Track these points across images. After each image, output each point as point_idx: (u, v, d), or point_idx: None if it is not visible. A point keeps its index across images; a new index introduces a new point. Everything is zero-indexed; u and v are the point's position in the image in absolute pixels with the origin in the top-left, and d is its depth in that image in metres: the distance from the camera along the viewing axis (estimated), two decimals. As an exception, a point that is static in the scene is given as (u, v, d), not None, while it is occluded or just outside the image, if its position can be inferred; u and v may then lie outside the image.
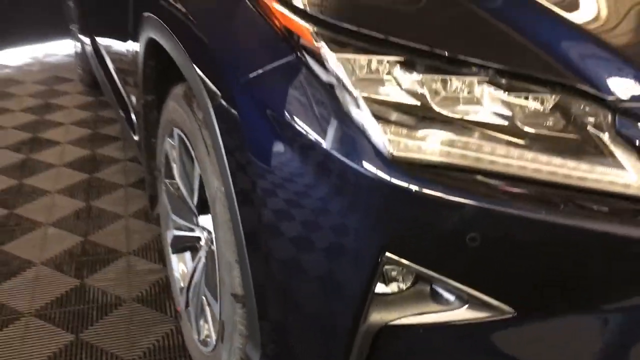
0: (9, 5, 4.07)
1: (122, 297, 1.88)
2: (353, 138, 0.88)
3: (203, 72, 1.16)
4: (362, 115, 0.88)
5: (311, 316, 1.01)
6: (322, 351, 1.01)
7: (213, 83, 1.13)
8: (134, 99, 2.02)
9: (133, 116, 2.09)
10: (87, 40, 3.04)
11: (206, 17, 1.20)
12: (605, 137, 0.87)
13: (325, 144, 0.90)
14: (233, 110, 1.06)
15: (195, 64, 1.19)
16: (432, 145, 0.86)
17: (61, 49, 4.27)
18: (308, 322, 1.03)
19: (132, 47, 1.80)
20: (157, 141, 1.73)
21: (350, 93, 0.89)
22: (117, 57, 2.30)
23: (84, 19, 3.11)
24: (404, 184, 0.84)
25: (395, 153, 0.85)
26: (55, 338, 1.72)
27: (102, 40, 2.66)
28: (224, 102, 1.09)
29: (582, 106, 0.88)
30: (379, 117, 0.88)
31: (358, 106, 0.88)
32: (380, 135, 0.86)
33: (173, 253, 1.70)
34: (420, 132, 0.87)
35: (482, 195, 0.83)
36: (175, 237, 1.67)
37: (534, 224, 0.83)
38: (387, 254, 0.87)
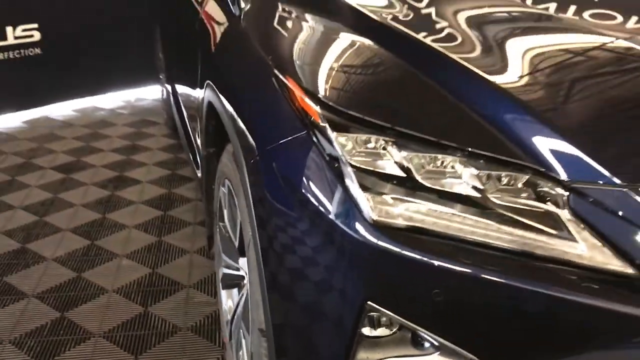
0: (107, 54, 4.52)
1: (178, 325, 2.10)
2: (346, 205, 1.06)
3: (239, 137, 1.38)
4: (353, 186, 1.05)
5: (315, 354, 1.18)
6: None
7: (247, 147, 1.34)
8: (200, 147, 2.28)
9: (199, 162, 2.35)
10: (170, 88, 3.39)
11: (245, 92, 1.42)
12: (561, 213, 1.00)
13: (325, 209, 1.08)
14: (259, 171, 1.26)
15: (235, 129, 1.41)
16: (408, 212, 1.02)
17: (150, 94, 4.69)
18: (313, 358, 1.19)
19: (198, 104, 2.06)
20: (214, 188, 1.97)
21: (345, 167, 1.07)
22: (189, 108, 2.59)
23: (168, 71, 3.47)
24: (381, 244, 1.00)
25: (376, 218, 1.02)
26: (118, 358, 1.96)
27: (180, 91, 2.98)
28: (253, 164, 1.30)
29: (542, 186, 1.02)
30: (367, 188, 1.05)
31: (351, 179, 1.06)
32: (365, 204, 1.03)
33: (222, 288, 1.91)
34: (400, 201, 1.03)
35: (445, 258, 0.98)
36: (225, 275, 1.88)
37: (490, 285, 0.97)
38: (369, 302, 1.03)
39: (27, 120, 4.26)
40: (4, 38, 4.11)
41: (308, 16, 1.57)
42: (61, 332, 2.06)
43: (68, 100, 4.54)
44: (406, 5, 1.57)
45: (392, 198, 1.04)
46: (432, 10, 1.57)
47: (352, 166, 1.07)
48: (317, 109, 1.15)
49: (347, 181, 1.06)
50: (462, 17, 1.51)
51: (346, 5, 1.56)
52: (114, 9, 4.47)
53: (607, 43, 1.39)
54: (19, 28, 4.16)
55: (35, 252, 2.53)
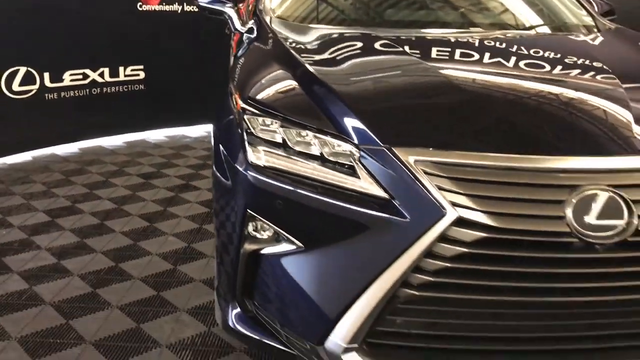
0: (196, 92, 5.53)
1: None
2: (242, 155, 1.81)
3: (215, 119, 2.18)
4: (246, 145, 1.81)
5: (226, 249, 1.91)
6: (229, 268, 1.89)
7: (214, 125, 2.14)
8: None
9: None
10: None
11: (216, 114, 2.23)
12: (356, 165, 1.69)
13: (232, 156, 1.84)
14: (213, 137, 2.05)
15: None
16: (272, 159, 1.76)
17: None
18: (225, 252, 1.92)
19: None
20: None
21: (247, 135, 1.83)
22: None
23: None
24: (254, 175, 1.74)
25: (253, 161, 1.76)
26: None
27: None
28: (214, 133, 2.08)
29: (348, 149, 1.71)
30: (253, 145, 1.80)
31: (248, 141, 1.82)
32: (251, 155, 1.78)
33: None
34: (270, 155, 1.77)
35: (284, 184, 1.70)
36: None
37: (310, 199, 1.66)
38: (248, 210, 1.77)
39: (127, 141, 5.32)
40: (117, 75, 5.22)
41: (254, 45, 2.38)
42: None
43: (162, 128, 5.58)
44: (309, 48, 2.33)
45: (264, 151, 1.78)
46: (318, 45, 2.36)
47: (249, 133, 1.83)
48: (241, 103, 1.93)
49: (245, 142, 1.82)
50: (334, 52, 2.27)
51: (277, 42, 2.35)
52: (204, 52, 5.48)
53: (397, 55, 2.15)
54: (129, 68, 5.27)
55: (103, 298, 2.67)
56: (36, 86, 4.72)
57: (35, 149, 4.88)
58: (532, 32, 2.84)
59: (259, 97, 1.94)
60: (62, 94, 4.91)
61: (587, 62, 2.23)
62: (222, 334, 2.45)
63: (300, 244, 1.71)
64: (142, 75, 5.34)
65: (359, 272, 1.61)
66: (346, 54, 2.27)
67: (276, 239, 1.77)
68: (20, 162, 4.68)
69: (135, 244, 3.28)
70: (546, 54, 2.30)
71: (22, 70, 4.62)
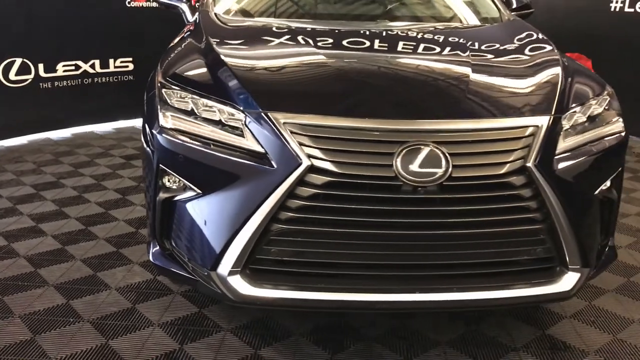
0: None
1: None
2: (156, 120, 2.24)
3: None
4: (159, 111, 2.24)
5: (150, 199, 2.33)
6: (151, 214, 2.32)
7: (145, 94, 2.58)
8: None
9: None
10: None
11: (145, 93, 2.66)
12: (243, 127, 2.11)
13: (150, 122, 2.27)
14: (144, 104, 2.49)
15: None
16: (179, 123, 2.19)
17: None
18: (148, 201, 2.35)
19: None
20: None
21: (161, 103, 2.26)
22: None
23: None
24: (164, 136, 2.17)
25: (163, 124, 2.19)
26: None
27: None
28: (145, 99, 2.52)
29: (237, 114, 2.13)
30: (164, 112, 2.23)
31: (161, 109, 2.25)
32: (162, 119, 2.21)
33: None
34: (176, 119, 2.20)
35: (183, 141, 2.13)
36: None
37: (204, 154, 2.09)
38: (160, 165, 2.20)
39: (116, 128, 5.79)
40: (108, 67, 5.69)
41: (187, 40, 2.79)
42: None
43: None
44: (225, 38, 2.71)
45: (172, 116, 2.20)
46: (234, 34, 2.79)
47: (162, 102, 2.26)
48: (160, 78, 2.36)
49: (158, 110, 2.25)
50: (243, 41, 2.68)
51: (200, 32, 2.76)
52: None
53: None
54: (118, 60, 5.74)
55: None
56: (31, 76, 5.20)
57: (30, 134, 5.36)
58: (437, 24, 3.21)
59: (175, 74, 2.37)
60: (56, 83, 5.39)
61: (457, 46, 2.64)
62: (165, 280, 2.88)
63: (199, 191, 2.13)
64: (131, 66, 5.81)
65: (240, 211, 2.03)
66: (251, 42, 2.69)
67: (183, 188, 2.20)
68: (16, 144, 5.17)
69: (106, 212, 3.74)
70: (424, 41, 2.71)
71: (18, 61, 5.10)
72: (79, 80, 5.53)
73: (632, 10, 5.68)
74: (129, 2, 5.69)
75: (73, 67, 5.47)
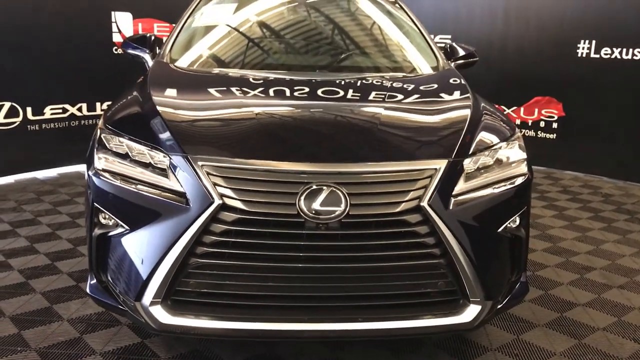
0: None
1: None
2: (92, 162, 2.45)
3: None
4: (94, 154, 2.44)
5: (86, 232, 2.52)
6: (88, 248, 2.51)
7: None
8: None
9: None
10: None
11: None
12: (168, 169, 2.30)
13: (90, 164, 2.48)
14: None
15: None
16: (110, 165, 2.39)
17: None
18: (87, 236, 2.53)
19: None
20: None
21: (98, 148, 2.47)
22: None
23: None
24: (98, 179, 2.37)
25: (98, 167, 2.40)
26: None
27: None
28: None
29: (165, 158, 2.32)
30: (99, 154, 2.43)
31: (97, 151, 2.45)
32: (97, 161, 2.42)
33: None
34: (108, 162, 2.40)
35: (114, 183, 2.33)
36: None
37: (130, 193, 2.28)
38: (94, 203, 2.40)
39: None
40: (94, 110, 5.96)
41: (133, 89, 3.00)
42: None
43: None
44: (164, 87, 2.90)
45: (104, 159, 2.40)
46: (173, 84, 3.00)
47: (99, 145, 2.47)
48: (101, 124, 2.58)
49: (95, 153, 2.46)
50: (180, 90, 2.89)
51: (145, 82, 2.98)
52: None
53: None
54: (105, 103, 6.01)
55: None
56: (19, 119, 5.48)
57: (18, 173, 5.61)
58: (374, 74, 3.37)
59: (114, 120, 2.59)
60: (44, 125, 5.66)
61: (377, 94, 2.84)
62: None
63: (127, 227, 2.32)
64: (116, 109, 6.06)
65: (160, 246, 2.22)
66: (187, 92, 2.91)
67: (115, 224, 2.39)
68: (2, 184, 5.41)
69: (74, 248, 3.93)
70: (347, 90, 2.91)
71: (7, 105, 5.38)
72: (66, 122, 5.80)
73: (597, 55, 5.89)
74: (115, 49, 5.99)
75: (60, 110, 5.75)
